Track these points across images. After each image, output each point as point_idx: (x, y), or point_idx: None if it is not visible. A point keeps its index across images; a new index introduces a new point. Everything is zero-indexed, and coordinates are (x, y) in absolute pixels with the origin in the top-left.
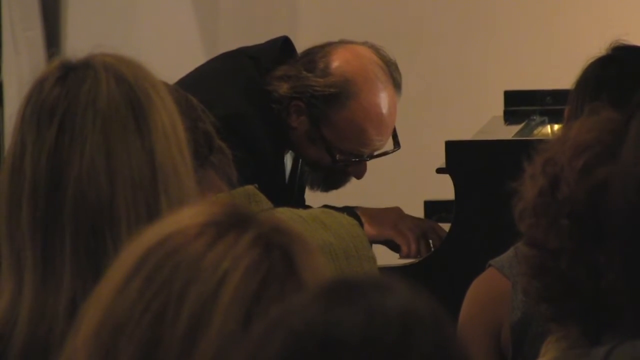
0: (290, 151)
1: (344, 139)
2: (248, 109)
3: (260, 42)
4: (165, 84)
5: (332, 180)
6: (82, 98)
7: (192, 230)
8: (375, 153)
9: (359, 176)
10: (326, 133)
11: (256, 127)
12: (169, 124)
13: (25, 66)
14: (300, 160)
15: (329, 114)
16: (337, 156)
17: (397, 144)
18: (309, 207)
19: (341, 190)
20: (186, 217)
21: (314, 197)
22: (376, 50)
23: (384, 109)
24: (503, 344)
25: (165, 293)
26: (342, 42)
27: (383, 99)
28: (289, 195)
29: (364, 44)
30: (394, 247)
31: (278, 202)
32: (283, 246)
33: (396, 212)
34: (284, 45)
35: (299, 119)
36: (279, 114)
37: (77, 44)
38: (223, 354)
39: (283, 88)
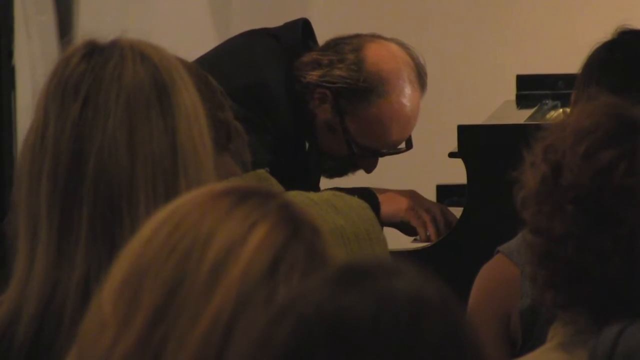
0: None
1: (366, 135)
2: (272, 78)
3: (273, 19)
4: (187, 63)
5: (340, 169)
6: (108, 74)
7: (219, 189)
8: (390, 151)
9: (369, 170)
10: (350, 126)
11: (279, 95)
12: (192, 106)
13: (37, 50)
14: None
15: (357, 108)
16: (356, 150)
17: (409, 144)
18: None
19: (353, 174)
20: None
21: (320, 181)
22: (407, 49)
23: (411, 112)
24: (512, 330)
25: (192, 234)
26: (374, 37)
27: (411, 102)
28: (308, 165)
29: (394, 40)
30: (407, 230)
31: (298, 171)
32: (308, 218)
33: (412, 194)
34: (304, 27)
35: (322, 107)
36: (302, 97)
37: (90, 28)
38: (245, 296)
39: (312, 75)
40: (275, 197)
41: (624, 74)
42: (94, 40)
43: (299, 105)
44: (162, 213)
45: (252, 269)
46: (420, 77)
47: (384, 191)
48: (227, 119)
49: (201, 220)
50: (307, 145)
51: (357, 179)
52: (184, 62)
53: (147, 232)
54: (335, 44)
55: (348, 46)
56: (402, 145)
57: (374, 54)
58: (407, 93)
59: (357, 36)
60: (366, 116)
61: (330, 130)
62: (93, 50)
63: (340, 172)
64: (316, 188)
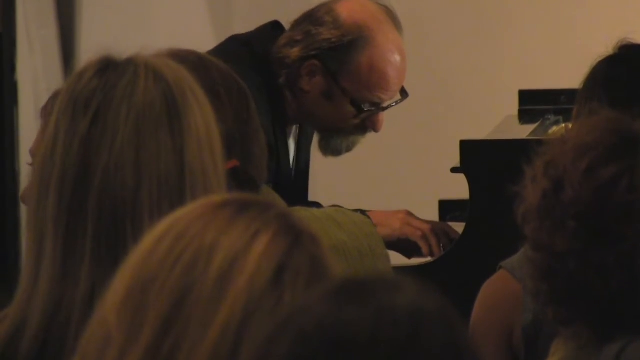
0: (293, 135)
1: (365, 87)
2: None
3: None
4: (243, 90)
5: (349, 140)
6: (119, 91)
7: (218, 200)
8: (392, 102)
9: (378, 128)
10: (347, 86)
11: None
12: (203, 127)
13: (39, 65)
14: (303, 141)
15: (348, 64)
16: (362, 106)
17: (405, 93)
18: (318, 204)
19: (355, 189)
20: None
21: (321, 197)
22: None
23: (399, 51)
24: (515, 346)
25: (195, 246)
26: None
27: (395, 41)
28: (293, 180)
29: None
30: (405, 251)
31: (283, 187)
32: (305, 230)
33: (405, 213)
34: (274, 29)
35: (313, 81)
36: (289, 81)
37: (92, 42)
38: (252, 304)
39: (294, 52)
40: (273, 207)
41: (627, 89)
42: (109, 56)
43: (280, 102)
44: (162, 225)
45: (258, 278)
46: (395, 19)
47: (377, 212)
48: (257, 159)
49: (203, 231)
50: (291, 156)
51: (359, 195)
52: (223, 74)
53: (148, 245)
54: (307, 17)
55: (320, 12)
56: (398, 96)
57: (345, 8)
58: (389, 35)
59: (324, 3)
60: (359, 68)
61: (329, 98)
62: (107, 66)
63: (350, 144)
64: (305, 198)
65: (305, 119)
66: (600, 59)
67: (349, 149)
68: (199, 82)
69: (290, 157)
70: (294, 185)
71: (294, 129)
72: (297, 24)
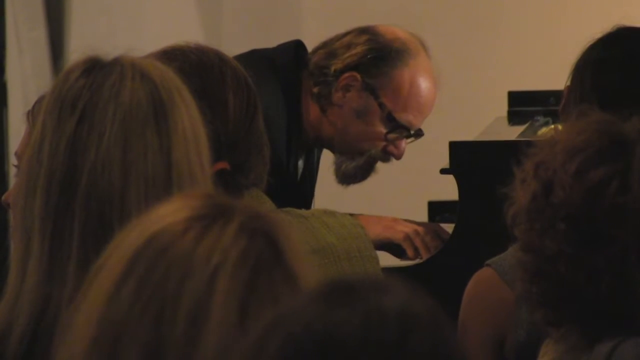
0: (303, 157)
1: (402, 104)
2: (269, 104)
3: (263, 39)
4: (253, 99)
5: (372, 163)
6: (106, 91)
7: (177, 227)
8: (416, 131)
9: (399, 155)
10: (385, 99)
11: (272, 128)
12: (190, 127)
13: (29, 66)
14: (311, 165)
15: (389, 77)
16: (399, 122)
17: (420, 131)
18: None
19: (343, 190)
20: (168, 213)
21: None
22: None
23: (434, 80)
24: (506, 353)
25: (160, 293)
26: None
27: (432, 70)
28: (298, 198)
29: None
30: (395, 252)
31: (287, 204)
32: (266, 232)
33: (391, 219)
34: (297, 48)
35: (347, 95)
36: (322, 94)
37: (81, 43)
38: (224, 345)
39: (335, 63)
40: (234, 216)
41: (621, 72)
42: (96, 56)
43: (298, 120)
44: (119, 257)
45: (225, 318)
46: (428, 51)
47: (364, 217)
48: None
49: (165, 274)
50: (301, 171)
51: (348, 196)
52: (238, 79)
53: (108, 284)
54: (346, 34)
55: (350, 34)
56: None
57: (385, 27)
58: (427, 61)
59: (353, 29)
60: (400, 83)
61: (361, 115)
62: (94, 66)
63: (370, 168)
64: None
65: (328, 137)
66: (594, 41)
67: (365, 176)
68: (210, 81)
69: (297, 176)
70: (296, 202)
71: (305, 153)
72: (325, 44)
